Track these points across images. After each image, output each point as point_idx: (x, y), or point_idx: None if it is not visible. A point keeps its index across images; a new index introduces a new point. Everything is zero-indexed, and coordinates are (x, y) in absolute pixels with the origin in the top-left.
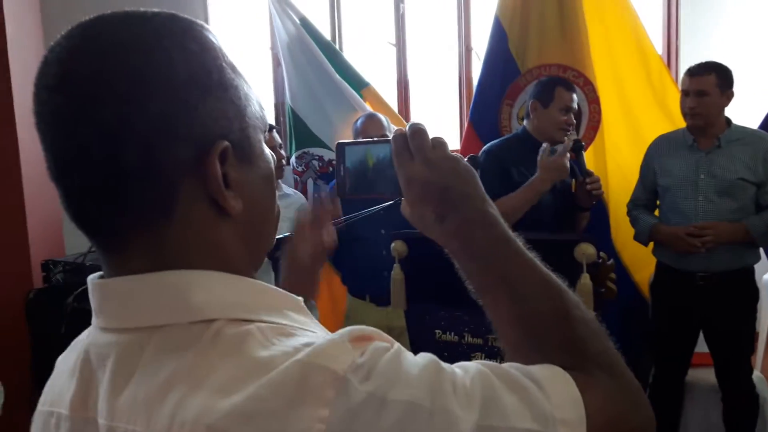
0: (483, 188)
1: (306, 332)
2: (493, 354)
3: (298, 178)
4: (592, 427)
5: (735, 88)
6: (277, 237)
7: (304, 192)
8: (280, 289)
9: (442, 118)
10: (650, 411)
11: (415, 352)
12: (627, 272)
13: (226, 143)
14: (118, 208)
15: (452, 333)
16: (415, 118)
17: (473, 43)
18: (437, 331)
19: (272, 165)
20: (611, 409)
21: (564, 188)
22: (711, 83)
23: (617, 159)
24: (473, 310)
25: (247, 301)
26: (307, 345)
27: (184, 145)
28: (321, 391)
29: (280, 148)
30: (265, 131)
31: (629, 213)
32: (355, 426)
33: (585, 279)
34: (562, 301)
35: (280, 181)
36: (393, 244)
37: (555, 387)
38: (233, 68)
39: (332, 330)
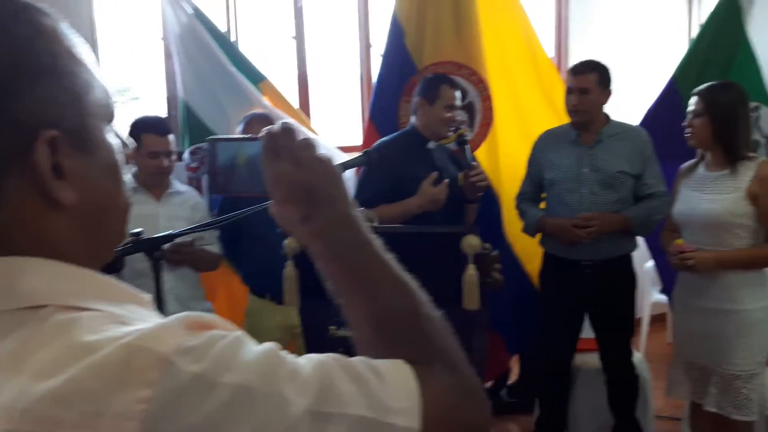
0: (347, 190)
1: (145, 323)
2: None
3: (193, 174)
4: (427, 416)
5: (620, 86)
6: (164, 234)
7: (199, 188)
8: (126, 285)
9: (344, 114)
10: (486, 404)
11: (310, 349)
12: (519, 263)
13: (55, 132)
14: None
15: (346, 328)
16: (315, 113)
17: (373, 40)
18: (331, 327)
19: (116, 155)
20: (448, 400)
21: (451, 182)
22: (592, 81)
23: (509, 154)
24: None
25: (83, 290)
26: (138, 330)
27: (8, 133)
28: (144, 372)
29: (169, 155)
30: (110, 120)
31: (517, 206)
32: (178, 407)
33: (471, 270)
34: (414, 300)
35: (172, 177)
36: (285, 241)
37: (395, 379)
38: (71, 54)
39: None
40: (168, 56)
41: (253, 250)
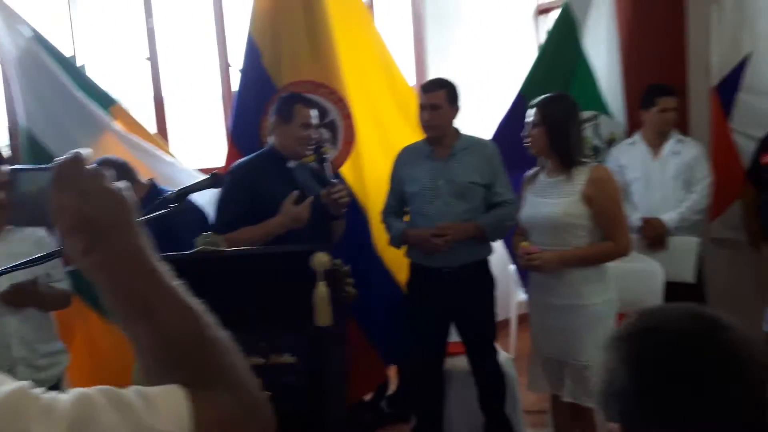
0: (134, 221)
1: None
2: (273, 372)
3: None
4: None
5: (476, 102)
6: None
7: None
8: None
9: (205, 135)
10: (269, 420)
11: None
12: (390, 275)
13: None
14: None
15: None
16: (174, 135)
17: (233, 59)
18: None
19: None
20: (226, 420)
21: (316, 199)
22: (442, 97)
23: (373, 170)
24: (247, 328)
25: None
26: None
27: None
28: None
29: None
30: None
31: (383, 220)
32: None
33: (321, 287)
34: (197, 325)
35: None
36: None
37: (165, 403)
38: None
39: (86, 373)
40: (7, 82)
41: None
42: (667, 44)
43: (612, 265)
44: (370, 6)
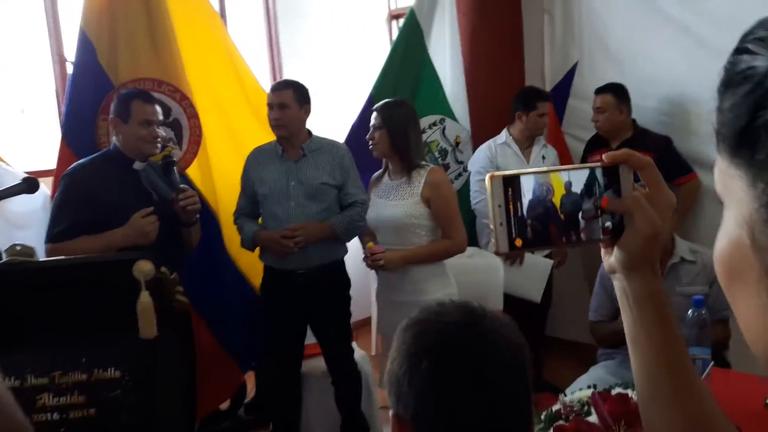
0: None
1: None
2: (62, 391)
3: None
4: None
5: (330, 104)
6: None
7: None
8: None
9: (37, 134)
10: None
11: None
12: (245, 279)
13: None
14: None
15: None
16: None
17: (69, 53)
18: (27, 376)
19: None
20: None
21: (166, 203)
22: (290, 97)
23: (222, 171)
24: (35, 347)
25: None
26: None
27: None
28: None
29: None
30: None
31: (235, 222)
32: None
33: (144, 297)
34: None
35: None
36: None
37: None
38: None
39: None
40: None
41: None
42: (506, 53)
43: (454, 262)
44: (222, 7)
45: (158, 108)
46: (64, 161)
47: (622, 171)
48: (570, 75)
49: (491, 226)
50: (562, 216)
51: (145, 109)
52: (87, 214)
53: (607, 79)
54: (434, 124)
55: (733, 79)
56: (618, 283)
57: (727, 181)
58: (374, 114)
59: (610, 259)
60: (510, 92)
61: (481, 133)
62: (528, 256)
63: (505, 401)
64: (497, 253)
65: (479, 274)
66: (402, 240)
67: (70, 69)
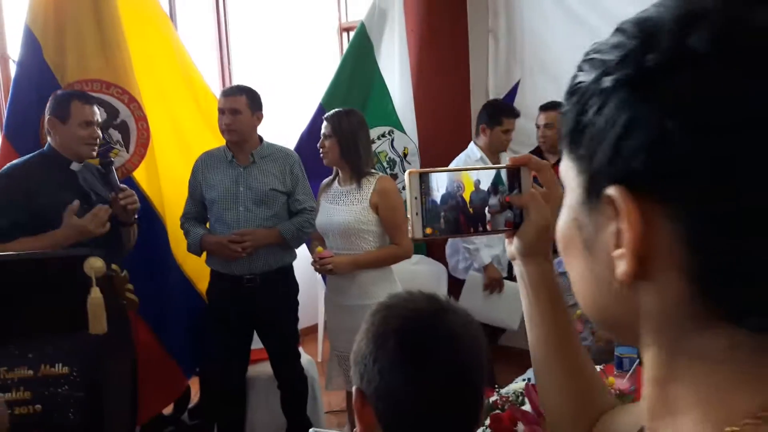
0: None
1: None
2: (7, 387)
3: None
4: None
5: (281, 111)
6: None
7: None
8: None
9: None
10: None
11: None
12: (190, 283)
13: None
14: None
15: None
16: None
17: (12, 50)
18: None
19: None
20: None
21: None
22: (243, 103)
23: (170, 175)
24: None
25: None
26: None
27: None
28: None
29: None
30: None
31: (182, 226)
32: None
33: (95, 293)
34: None
35: None
36: None
37: None
38: None
39: None
40: None
41: None
42: (452, 70)
43: (400, 267)
44: (173, 11)
45: (96, 109)
46: (6, 160)
47: (524, 172)
48: (512, 93)
49: (408, 215)
50: (470, 209)
51: (85, 110)
52: (26, 215)
53: (547, 97)
54: (383, 135)
55: (569, 90)
56: (517, 268)
57: (566, 172)
58: (325, 123)
59: (511, 247)
60: (456, 108)
61: (428, 146)
62: (508, 285)
63: (463, 379)
64: (413, 239)
65: (424, 280)
66: (351, 245)
67: (13, 67)
